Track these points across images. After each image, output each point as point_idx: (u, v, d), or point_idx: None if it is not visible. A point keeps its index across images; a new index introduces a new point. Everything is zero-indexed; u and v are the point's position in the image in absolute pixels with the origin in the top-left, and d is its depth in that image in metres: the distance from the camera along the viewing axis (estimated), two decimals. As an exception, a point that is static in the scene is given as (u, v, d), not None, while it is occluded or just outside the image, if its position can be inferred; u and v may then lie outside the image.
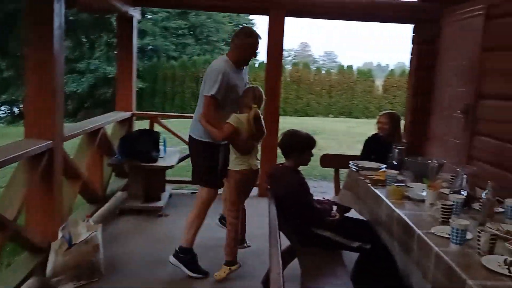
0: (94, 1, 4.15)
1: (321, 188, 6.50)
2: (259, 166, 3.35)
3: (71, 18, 12.41)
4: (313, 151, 3.01)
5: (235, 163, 3.26)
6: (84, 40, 14.84)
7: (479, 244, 1.87)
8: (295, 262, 2.86)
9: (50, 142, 3.05)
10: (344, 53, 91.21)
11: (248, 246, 3.69)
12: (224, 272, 3.26)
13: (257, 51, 3.42)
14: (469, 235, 2.01)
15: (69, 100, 18.97)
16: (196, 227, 3.37)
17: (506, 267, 1.72)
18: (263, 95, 3.32)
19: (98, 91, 19.80)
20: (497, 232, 1.95)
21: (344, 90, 20.57)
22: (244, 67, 3.47)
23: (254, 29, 3.53)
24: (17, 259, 3.35)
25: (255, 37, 3.36)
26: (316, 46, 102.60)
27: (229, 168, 3.31)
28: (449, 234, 1.99)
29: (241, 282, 3.25)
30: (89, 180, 4.16)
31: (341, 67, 21.71)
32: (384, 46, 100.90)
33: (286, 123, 11.83)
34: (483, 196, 2.30)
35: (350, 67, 21.17)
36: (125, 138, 4.73)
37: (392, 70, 22.49)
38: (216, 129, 3.18)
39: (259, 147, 3.54)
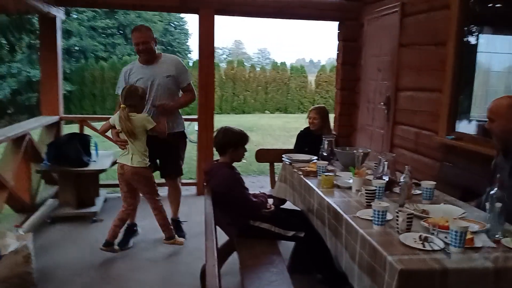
0: (9, 3, 3.91)
1: (259, 183, 6.63)
2: (133, 165, 3.45)
3: (-14, 18, 11.61)
4: (250, 147, 3.10)
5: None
6: (3, 42, 13.92)
7: (397, 224, 2.04)
8: (235, 258, 2.93)
9: (-31, 150, 2.88)
10: (277, 50, 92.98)
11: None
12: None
13: (136, 43, 3.68)
14: (389, 216, 2.18)
15: (-11, 107, 17.70)
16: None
17: (421, 242, 1.90)
18: (135, 92, 3.41)
19: (21, 96, 18.62)
20: (412, 212, 2.13)
21: (279, 86, 21.01)
22: (162, 60, 3.77)
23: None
24: None
25: (133, 31, 3.76)
26: (249, 44, 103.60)
27: None
28: (372, 217, 2.15)
29: (179, 279, 3.27)
30: (16, 189, 3.96)
31: (275, 64, 22.12)
32: (315, 43, 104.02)
33: (223, 121, 11.86)
34: (401, 180, 2.50)
35: (283, 63, 21.64)
36: (53, 143, 4.54)
37: (323, 65, 23.30)
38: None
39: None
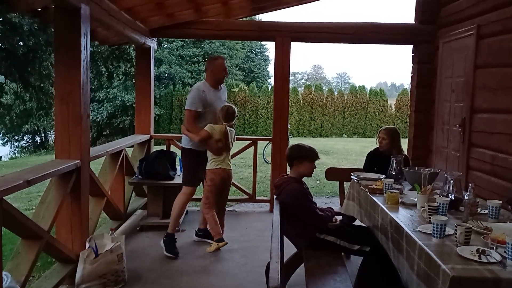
0: (113, 35, 4.55)
1: (333, 204, 6.68)
2: (230, 168, 4.23)
3: (91, 49, 13.04)
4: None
5: (210, 164, 4.12)
6: (103, 70, 15.48)
7: (456, 237, 2.12)
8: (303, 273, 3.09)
9: (78, 161, 3.39)
10: (358, 74, 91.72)
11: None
12: (213, 247, 4.12)
13: (224, 69, 4.26)
14: (450, 231, 2.25)
15: (89, 128, 19.48)
16: (179, 218, 4.32)
17: (478, 254, 1.96)
18: (235, 113, 4.16)
19: (116, 119, 20.41)
20: (471, 226, 2.18)
21: (356, 110, 20.84)
22: (221, 87, 4.37)
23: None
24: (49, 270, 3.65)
25: (218, 58, 4.29)
26: (329, 68, 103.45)
27: (206, 168, 4.16)
28: (431, 230, 2.23)
29: (252, 286, 3.52)
30: (112, 198, 4.50)
31: (353, 87, 22.03)
32: (398, 66, 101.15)
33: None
34: (465, 198, 2.54)
35: (362, 87, 21.48)
36: (144, 159, 5.07)
37: (404, 89, 22.68)
38: (193, 134, 4.06)
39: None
